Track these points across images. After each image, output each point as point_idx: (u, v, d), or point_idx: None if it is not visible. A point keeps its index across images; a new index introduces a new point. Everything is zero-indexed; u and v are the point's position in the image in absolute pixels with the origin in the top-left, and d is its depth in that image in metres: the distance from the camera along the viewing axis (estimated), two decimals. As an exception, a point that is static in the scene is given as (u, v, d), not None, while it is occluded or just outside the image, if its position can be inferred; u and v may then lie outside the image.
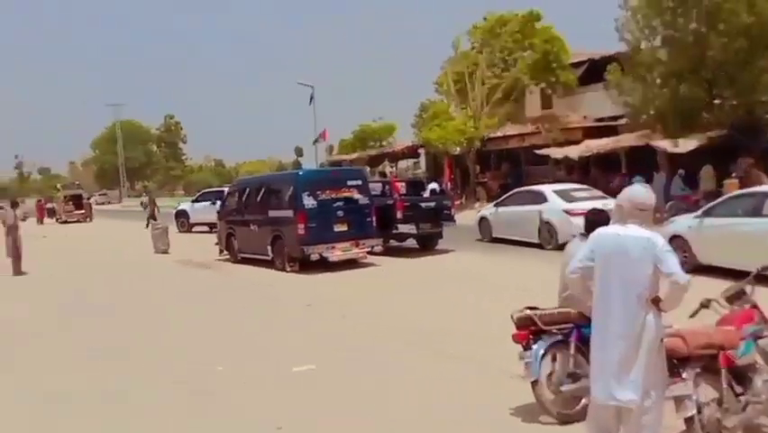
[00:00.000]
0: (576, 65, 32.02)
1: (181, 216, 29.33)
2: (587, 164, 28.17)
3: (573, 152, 26.78)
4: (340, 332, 8.89)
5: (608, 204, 16.37)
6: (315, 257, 14.49)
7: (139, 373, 7.35)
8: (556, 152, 27.95)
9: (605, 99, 26.61)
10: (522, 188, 19.44)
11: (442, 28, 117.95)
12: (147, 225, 31.54)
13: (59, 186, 55.77)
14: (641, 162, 23.66)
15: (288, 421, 5.58)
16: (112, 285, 14.16)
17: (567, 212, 15.53)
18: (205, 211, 27.12)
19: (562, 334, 5.39)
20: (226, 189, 28.03)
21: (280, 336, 8.80)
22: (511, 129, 32.67)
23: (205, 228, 26.75)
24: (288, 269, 14.77)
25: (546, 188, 17.48)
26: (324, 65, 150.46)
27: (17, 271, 16.20)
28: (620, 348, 4.19)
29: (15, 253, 16.37)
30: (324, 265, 14.53)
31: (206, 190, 32.97)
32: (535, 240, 16.49)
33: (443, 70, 35.20)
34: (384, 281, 13.32)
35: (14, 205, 18.51)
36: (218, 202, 24.79)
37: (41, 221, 42.69)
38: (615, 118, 27.47)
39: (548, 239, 16.08)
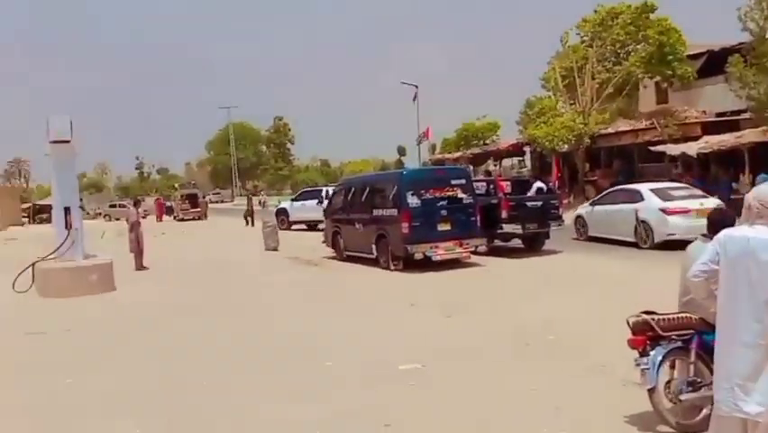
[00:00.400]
0: (693, 57, 30.37)
1: (281, 213, 30.14)
2: (706, 161, 26.67)
3: (691, 148, 25.41)
4: (445, 332, 8.85)
5: (705, 203, 15.92)
6: (418, 256, 14.51)
7: (250, 364, 7.61)
8: (672, 149, 26.61)
9: (725, 93, 25.15)
10: (618, 187, 19.34)
11: (547, 22, 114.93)
12: (246, 224, 32.82)
13: (176, 185, 59.00)
14: (766, 160, 22.15)
15: (395, 419, 5.60)
16: (227, 280, 14.78)
17: (663, 211, 15.65)
18: (304, 210, 28.28)
19: (681, 340, 5.11)
20: (323, 189, 29.98)
21: (386, 335, 8.86)
22: (623, 125, 31.42)
23: (303, 226, 27.55)
24: (392, 267, 14.87)
25: (643, 187, 17.37)
26: (427, 63, 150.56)
27: (139, 265, 17.21)
28: (747, 357, 3.92)
29: (137, 249, 17.39)
30: (428, 265, 14.52)
31: (305, 190, 34.07)
32: (631, 238, 16.32)
33: (550, 65, 34.38)
34: (489, 282, 13.15)
35: (137, 203, 19.79)
36: (316, 201, 26.03)
37: (159, 218, 45.20)
38: (737, 113, 25.86)
39: (644, 238, 16.05)
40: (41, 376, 7.45)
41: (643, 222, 16.06)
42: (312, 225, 27.52)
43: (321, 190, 28.84)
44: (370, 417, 5.68)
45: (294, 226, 28.95)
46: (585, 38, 33.22)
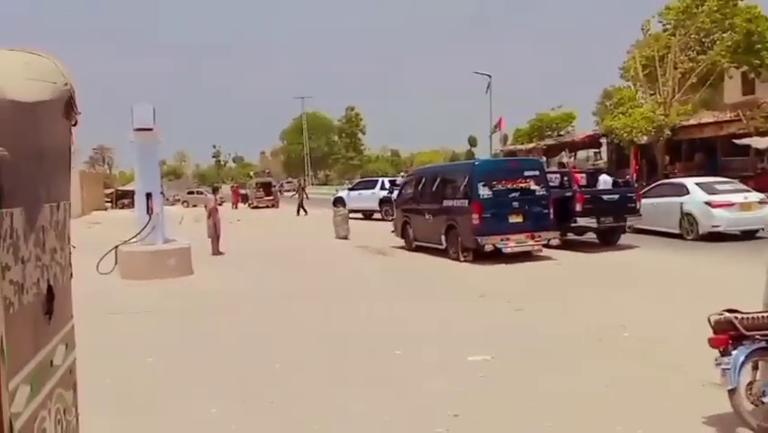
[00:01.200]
0: (783, 45, 28.87)
1: (338, 202, 30.26)
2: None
3: (779, 141, 24.22)
4: (515, 325, 8.76)
5: (749, 197, 16.83)
6: (488, 248, 14.38)
7: (322, 350, 7.75)
8: (759, 142, 25.45)
9: (818, 83, 23.81)
10: (664, 180, 20.37)
11: (628, 9, 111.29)
12: (297, 213, 32.99)
13: (251, 174, 60.43)
14: None
15: (463, 409, 5.60)
16: (299, 266, 15.06)
17: (708, 204, 16.51)
18: (360, 199, 29.45)
19: (765, 340, 4.90)
20: (379, 179, 31.51)
21: (455, 325, 8.84)
22: (706, 116, 30.24)
23: (360, 215, 28.07)
24: (462, 259, 14.81)
25: (688, 181, 18.36)
26: (501, 51, 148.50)
27: (215, 250, 17.75)
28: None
29: (215, 234, 17.95)
30: (498, 257, 14.38)
31: (362, 180, 35.37)
32: (675, 230, 17.11)
33: (629, 54, 33.40)
34: (561, 276, 12.92)
35: (215, 191, 20.50)
36: (371, 191, 28.03)
37: (235, 206, 46.43)
38: (830, 104, 24.46)
39: (688, 230, 16.95)
40: (124, 355, 7.79)
41: (687, 214, 16.83)
42: (368, 215, 28.20)
43: (377, 181, 30.38)
44: (437, 406, 5.70)
45: (351, 215, 29.19)
46: (668, 26, 32.08)
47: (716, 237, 16.34)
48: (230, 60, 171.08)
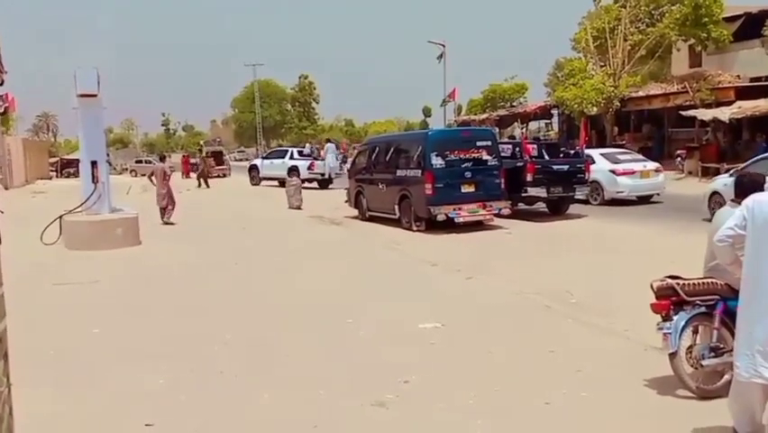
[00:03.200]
0: (730, 20, 29.53)
1: (253, 170, 33.78)
2: (738, 127, 26.10)
3: (724, 113, 24.87)
4: (466, 292, 8.86)
5: (648, 165, 19.03)
6: (441, 217, 14.47)
7: (273, 321, 7.71)
8: (704, 114, 26.09)
9: (761, 57, 24.52)
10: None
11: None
12: (199, 185, 32.37)
13: (201, 143, 59.22)
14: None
15: (413, 376, 5.65)
16: (251, 237, 14.88)
17: (613, 172, 18.48)
18: (272, 167, 32.01)
19: (705, 306, 5.06)
20: (289, 149, 34.63)
21: (406, 294, 8.89)
22: (654, 88, 30.83)
23: (275, 183, 30.66)
24: (415, 228, 14.87)
25: (594, 151, 19.99)
26: (454, 22, 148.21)
27: (167, 220, 17.41)
28: (769, 324, 3.87)
29: (170, 203, 17.56)
30: (451, 226, 14.49)
31: (274, 149, 39.03)
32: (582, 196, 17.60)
33: (581, 26, 33.69)
34: (511, 245, 13.12)
35: (162, 158, 19.99)
36: (281, 160, 31.33)
37: (186, 175, 45.51)
38: (773, 78, 25.19)
39: (594, 195, 18.52)
40: (68, 326, 7.61)
41: (594, 181, 18.14)
42: (282, 182, 29.15)
43: (288, 151, 33.69)
44: (388, 373, 5.74)
45: (264, 183, 32.47)
46: (619, -2, 32.39)
47: (616, 203, 18.47)
48: (180, 26, 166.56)
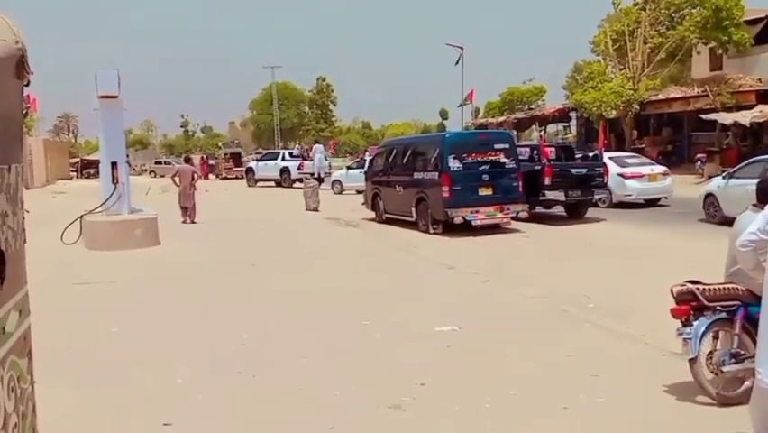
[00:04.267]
0: (751, 23, 29.21)
1: (249, 172, 36.32)
2: (759, 131, 25.80)
3: (744, 117, 24.60)
4: (483, 296, 8.83)
5: (655, 169, 19.17)
6: (458, 220, 14.44)
7: (291, 321, 7.73)
8: (725, 117, 25.81)
9: (784, 60, 24.17)
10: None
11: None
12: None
13: (220, 144, 59.64)
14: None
15: (430, 379, 5.64)
16: (269, 238, 14.95)
17: (621, 175, 18.58)
18: (267, 168, 34.29)
19: (726, 311, 5.01)
20: (281, 151, 37.53)
21: (423, 297, 8.88)
22: (674, 92, 30.57)
23: (271, 183, 33.12)
24: (432, 231, 14.85)
25: (603, 155, 19.51)
26: (473, 25, 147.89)
27: (192, 219, 17.65)
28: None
29: (193, 203, 17.88)
30: (468, 229, 14.46)
31: (268, 151, 41.14)
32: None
33: (600, 29, 33.56)
34: (529, 248, 13.06)
35: (188, 160, 20.37)
36: (274, 162, 33.82)
37: (205, 177, 45.87)
38: (795, 81, 24.87)
39: (603, 198, 18.47)
40: (88, 326, 7.68)
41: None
42: (278, 182, 33.02)
43: (280, 153, 36.61)
44: (404, 376, 5.73)
45: (260, 184, 34.83)
46: (638, 1, 32.16)
47: (624, 205, 18.80)
48: (200, 28, 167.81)
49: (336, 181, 29.76)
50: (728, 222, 15.43)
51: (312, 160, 31.92)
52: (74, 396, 5.44)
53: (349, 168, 30.65)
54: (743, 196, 14.15)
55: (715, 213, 15.33)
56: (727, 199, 14.68)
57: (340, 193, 28.53)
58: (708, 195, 15.77)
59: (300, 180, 30.05)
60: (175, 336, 7.17)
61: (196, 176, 18.32)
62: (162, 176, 45.13)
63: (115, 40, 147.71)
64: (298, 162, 32.58)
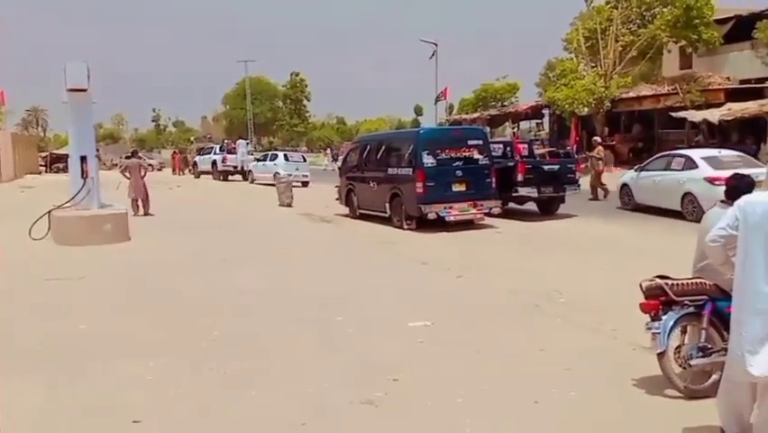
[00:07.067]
0: (721, 22, 29.68)
1: (195, 165, 41.84)
2: (727, 129, 26.24)
3: (713, 115, 25.01)
4: (456, 291, 8.86)
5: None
6: (432, 216, 14.46)
7: (263, 316, 7.68)
8: (694, 115, 26.21)
9: (751, 59, 24.68)
10: None
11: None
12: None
13: (192, 139, 59.16)
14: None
15: (402, 374, 5.65)
16: (242, 234, 14.83)
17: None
18: (204, 162, 39.73)
19: (694, 306, 5.08)
20: (214, 146, 42.44)
21: (396, 292, 8.88)
22: (645, 89, 30.95)
23: (238, 178, 36.66)
24: (405, 227, 14.86)
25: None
26: (447, 22, 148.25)
27: (140, 212, 17.95)
28: (760, 324, 3.90)
29: (145, 194, 18.40)
30: (441, 225, 14.49)
31: (207, 146, 46.37)
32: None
33: (573, 27, 33.80)
34: (501, 244, 13.14)
35: (134, 154, 21.86)
36: (209, 156, 38.94)
37: (181, 172, 45.50)
38: (762, 80, 25.39)
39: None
40: (56, 322, 7.55)
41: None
42: (217, 174, 37.23)
43: (213, 148, 41.56)
44: (377, 371, 5.73)
45: (202, 176, 39.05)
46: (610, -1, 32.50)
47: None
48: (172, 22, 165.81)
49: (250, 171, 34.99)
50: (640, 209, 16.74)
51: (236, 153, 37.43)
52: (42, 393, 5.35)
53: (257, 159, 35.77)
54: (650, 186, 16.62)
55: (629, 201, 17.49)
56: (639, 189, 17.01)
57: (252, 182, 33.79)
58: (624, 185, 17.84)
59: (229, 173, 36.82)
60: (144, 333, 7.07)
61: (143, 170, 18.92)
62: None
63: (86, 34, 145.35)
64: (222, 156, 37.61)
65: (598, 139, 22.97)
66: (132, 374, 5.77)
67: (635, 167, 18.30)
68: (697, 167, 15.05)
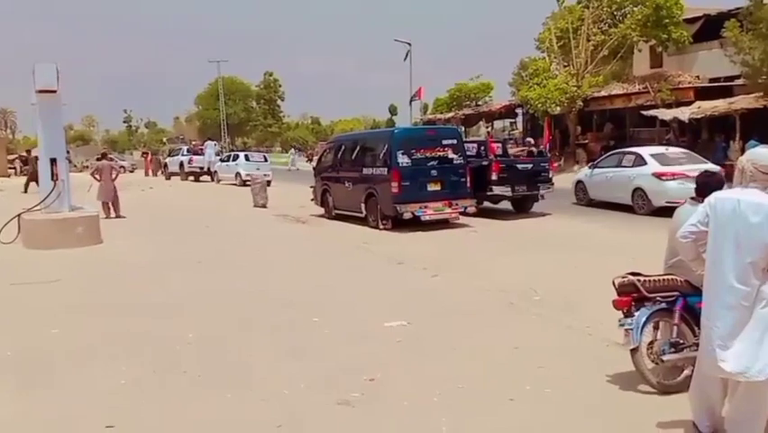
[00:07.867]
0: (690, 21, 30.10)
1: (165, 167, 41.78)
2: (698, 127, 26.64)
3: (683, 113, 25.36)
4: (432, 290, 8.88)
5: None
6: (407, 216, 14.50)
7: (238, 319, 7.61)
8: (665, 114, 26.55)
9: (720, 58, 25.02)
10: None
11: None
12: (25, 190, 25.52)
13: (164, 140, 58.68)
14: (757, 126, 22.20)
15: (379, 374, 5.64)
16: (216, 235, 14.71)
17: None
18: (173, 162, 40.15)
19: (666, 302, 5.15)
20: (183, 147, 43.75)
21: (373, 292, 8.88)
22: (616, 88, 31.27)
23: (179, 176, 38.19)
24: (381, 226, 14.87)
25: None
26: (421, 22, 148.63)
27: (111, 214, 17.67)
28: (730, 319, 3.96)
29: (115, 197, 18.06)
30: (417, 224, 14.52)
31: (175, 148, 47.71)
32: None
33: (545, 26, 34.02)
34: (476, 243, 13.20)
35: (104, 156, 21.13)
36: (177, 158, 39.44)
37: (155, 173, 44.99)
38: (731, 78, 25.77)
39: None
40: (27, 326, 7.43)
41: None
42: (185, 175, 37.85)
43: (180, 149, 42.98)
44: (354, 371, 5.71)
45: (172, 177, 39.39)
46: (582, -2, 32.80)
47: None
48: (143, 22, 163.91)
49: (215, 172, 35.54)
50: (594, 204, 17.62)
51: (202, 155, 37.96)
52: (13, 399, 5.26)
53: (222, 160, 36.07)
54: (603, 182, 17.52)
55: (583, 196, 18.49)
56: (592, 185, 17.99)
57: (218, 183, 34.38)
58: (579, 182, 18.83)
59: (198, 174, 37.24)
60: (118, 337, 6.97)
61: (115, 172, 18.63)
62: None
63: (55, 34, 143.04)
64: (189, 157, 38.23)
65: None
66: (105, 379, 5.69)
67: (589, 164, 19.51)
68: (646, 163, 16.08)
